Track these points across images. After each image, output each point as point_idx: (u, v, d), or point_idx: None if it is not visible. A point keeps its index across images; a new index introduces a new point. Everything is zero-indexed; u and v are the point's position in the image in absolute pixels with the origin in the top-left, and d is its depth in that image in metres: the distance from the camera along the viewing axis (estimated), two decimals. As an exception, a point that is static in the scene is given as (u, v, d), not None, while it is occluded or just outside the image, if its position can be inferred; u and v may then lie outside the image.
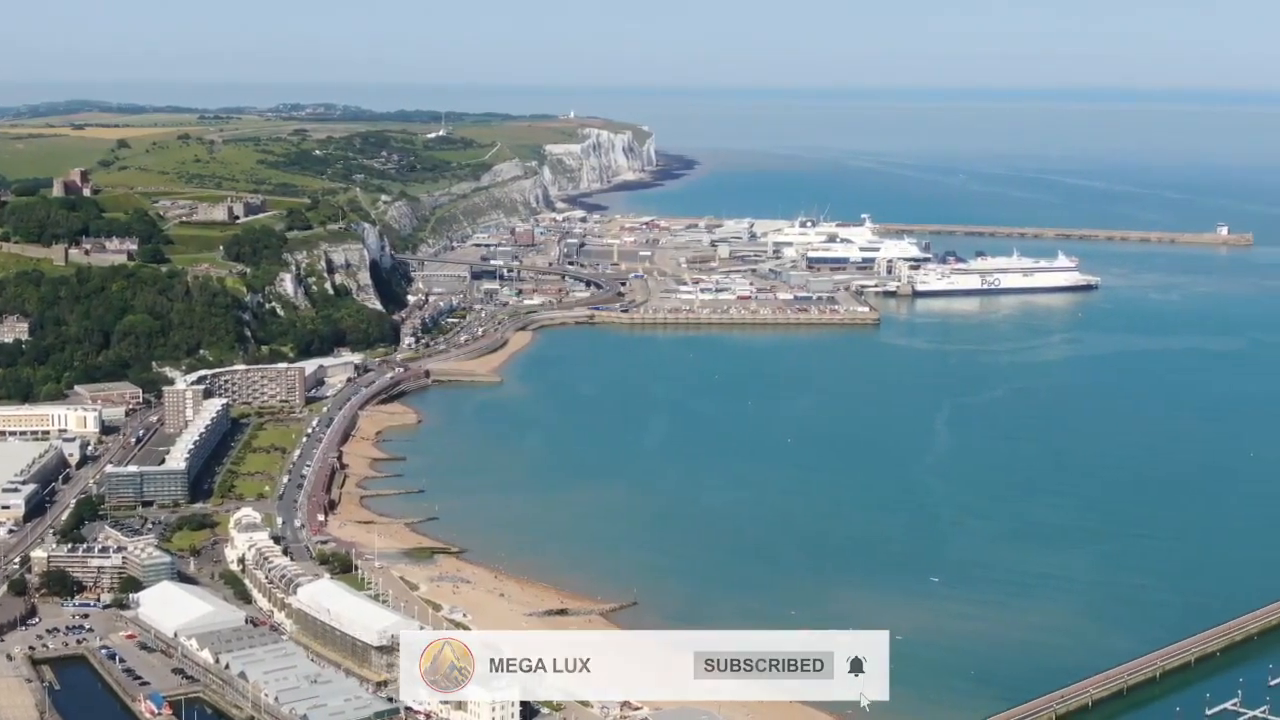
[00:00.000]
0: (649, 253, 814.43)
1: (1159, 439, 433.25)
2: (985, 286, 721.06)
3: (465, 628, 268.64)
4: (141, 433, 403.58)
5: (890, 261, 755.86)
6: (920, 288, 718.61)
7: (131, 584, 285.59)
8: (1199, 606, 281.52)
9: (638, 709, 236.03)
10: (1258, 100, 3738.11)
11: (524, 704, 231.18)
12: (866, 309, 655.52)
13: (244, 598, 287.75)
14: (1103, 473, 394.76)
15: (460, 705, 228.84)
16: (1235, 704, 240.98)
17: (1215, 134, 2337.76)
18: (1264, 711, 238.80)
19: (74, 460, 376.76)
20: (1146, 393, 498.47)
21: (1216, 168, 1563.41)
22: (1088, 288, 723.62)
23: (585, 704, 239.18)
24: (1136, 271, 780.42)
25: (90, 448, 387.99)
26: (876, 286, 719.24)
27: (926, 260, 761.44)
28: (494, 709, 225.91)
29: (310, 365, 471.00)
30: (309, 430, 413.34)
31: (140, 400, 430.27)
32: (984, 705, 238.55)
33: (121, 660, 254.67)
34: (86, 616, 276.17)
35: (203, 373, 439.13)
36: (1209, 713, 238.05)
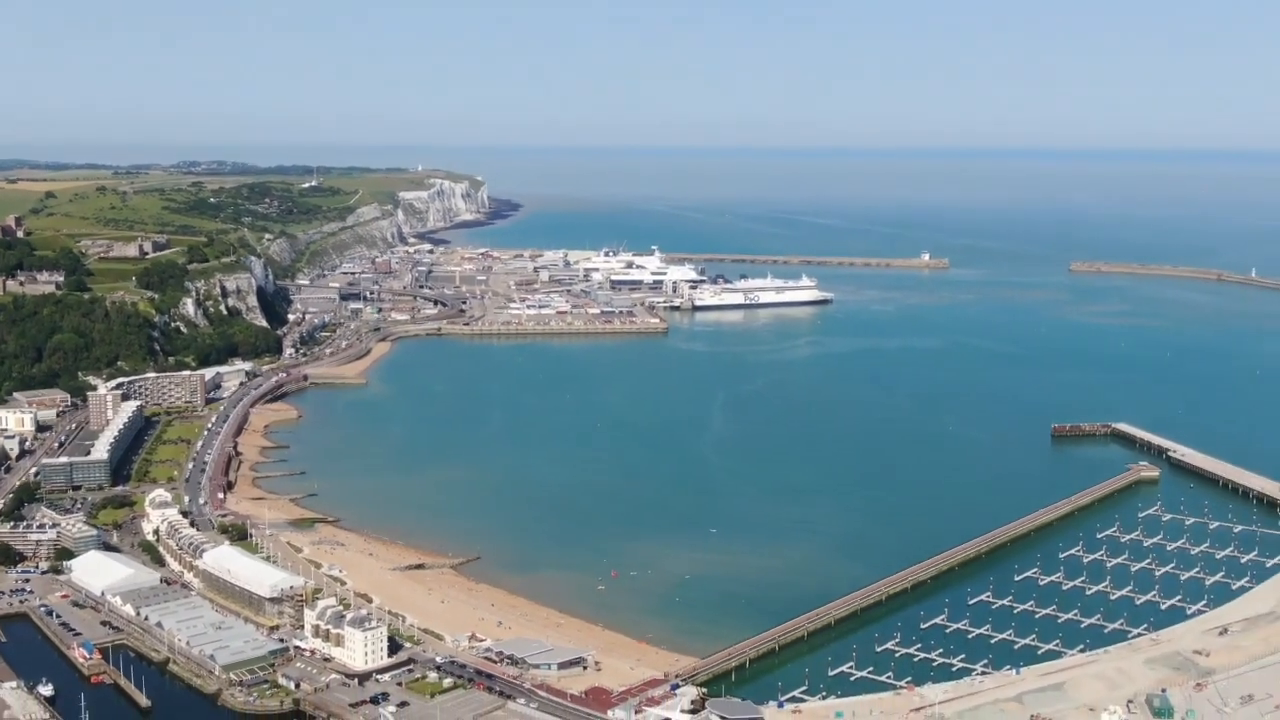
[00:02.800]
0: (484, 277, 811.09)
1: (881, 417, 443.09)
2: (747, 302, 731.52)
3: (342, 582, 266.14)
4: (70, 430, 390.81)
5: (675, 283, 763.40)
6: (698, 303, 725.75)
7: (65, 553, 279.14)
8: (913, 544, 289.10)
9: (481, 640, 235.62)
10: (953, 155, 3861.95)
11: (390, 639, 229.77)
12: (657, 320, 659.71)
13: (159, 562, 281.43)
14: (839, 443, 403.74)
15: (339, 642, 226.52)
16: (942, 619, 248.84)
17: (918, 182, 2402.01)
18: (965, 625, 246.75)
19: (14, 454, 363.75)
20: (870, 381, 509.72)
21: (920, 208, 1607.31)
22: (825, 302, 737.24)
23: (439, 637, 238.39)
24: (861, 289, 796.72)
25: (27, 443, 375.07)
26: (665, 302, 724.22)
27: (703, 281, 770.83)
28: (367, 643, 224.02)
29: (209, 372, 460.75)
30: (209, 425, 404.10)
31: (68, 403, 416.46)
32: (753, 626, 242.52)
33: (58, 616, 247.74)
34: (28, 581, 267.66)
35: (120, 380, 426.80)
36: (923, 627, 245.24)
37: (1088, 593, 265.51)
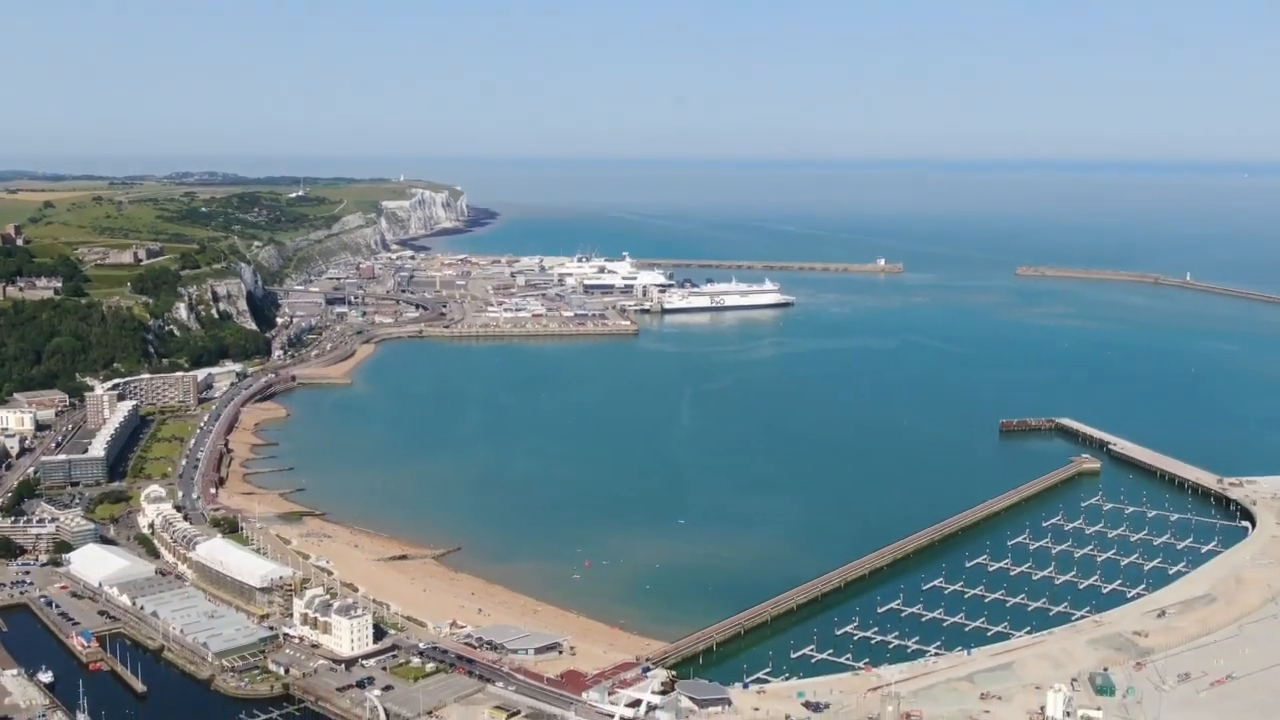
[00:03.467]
0: (464, 282, 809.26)
1: (839, 412, 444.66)
2: (714, 305, 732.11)
3: (329, 572, 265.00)
4: (68, 429, 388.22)
5: (645, 287, 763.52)
6: (667, 306, 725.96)
7: (63, 546, 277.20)
8: (870, 533, 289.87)
9: (462, 627, 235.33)
10: (905, 165, 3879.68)
11: (375, 626, 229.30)
12: (628, 323, 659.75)
13: (154, 554, 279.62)
14: (800, 438, 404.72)
15: (327, 629, 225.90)
16: (898, 604, 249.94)
17: (874, 190, 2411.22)
18: (919, 609, 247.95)
19: (14, 452, 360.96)
20: (829, 379, 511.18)
21: (875, 216, 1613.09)
22: (786, 305, 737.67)
23: (422, 624, 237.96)
24: (820, 292, 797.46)
25: (27, 441, 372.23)
26: (635, 305, 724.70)
27: (671, 285, 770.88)
28: (353, 630, 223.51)
29: (201, 373, 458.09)
30: (201, 424, 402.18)
31: (67, 404, 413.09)
32: (719, 611, 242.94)
33: (57, 606, 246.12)
34: (28, 573, 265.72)
35: (116, 381, 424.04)
36: (880, 611, 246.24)
37: (1034, 578, 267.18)
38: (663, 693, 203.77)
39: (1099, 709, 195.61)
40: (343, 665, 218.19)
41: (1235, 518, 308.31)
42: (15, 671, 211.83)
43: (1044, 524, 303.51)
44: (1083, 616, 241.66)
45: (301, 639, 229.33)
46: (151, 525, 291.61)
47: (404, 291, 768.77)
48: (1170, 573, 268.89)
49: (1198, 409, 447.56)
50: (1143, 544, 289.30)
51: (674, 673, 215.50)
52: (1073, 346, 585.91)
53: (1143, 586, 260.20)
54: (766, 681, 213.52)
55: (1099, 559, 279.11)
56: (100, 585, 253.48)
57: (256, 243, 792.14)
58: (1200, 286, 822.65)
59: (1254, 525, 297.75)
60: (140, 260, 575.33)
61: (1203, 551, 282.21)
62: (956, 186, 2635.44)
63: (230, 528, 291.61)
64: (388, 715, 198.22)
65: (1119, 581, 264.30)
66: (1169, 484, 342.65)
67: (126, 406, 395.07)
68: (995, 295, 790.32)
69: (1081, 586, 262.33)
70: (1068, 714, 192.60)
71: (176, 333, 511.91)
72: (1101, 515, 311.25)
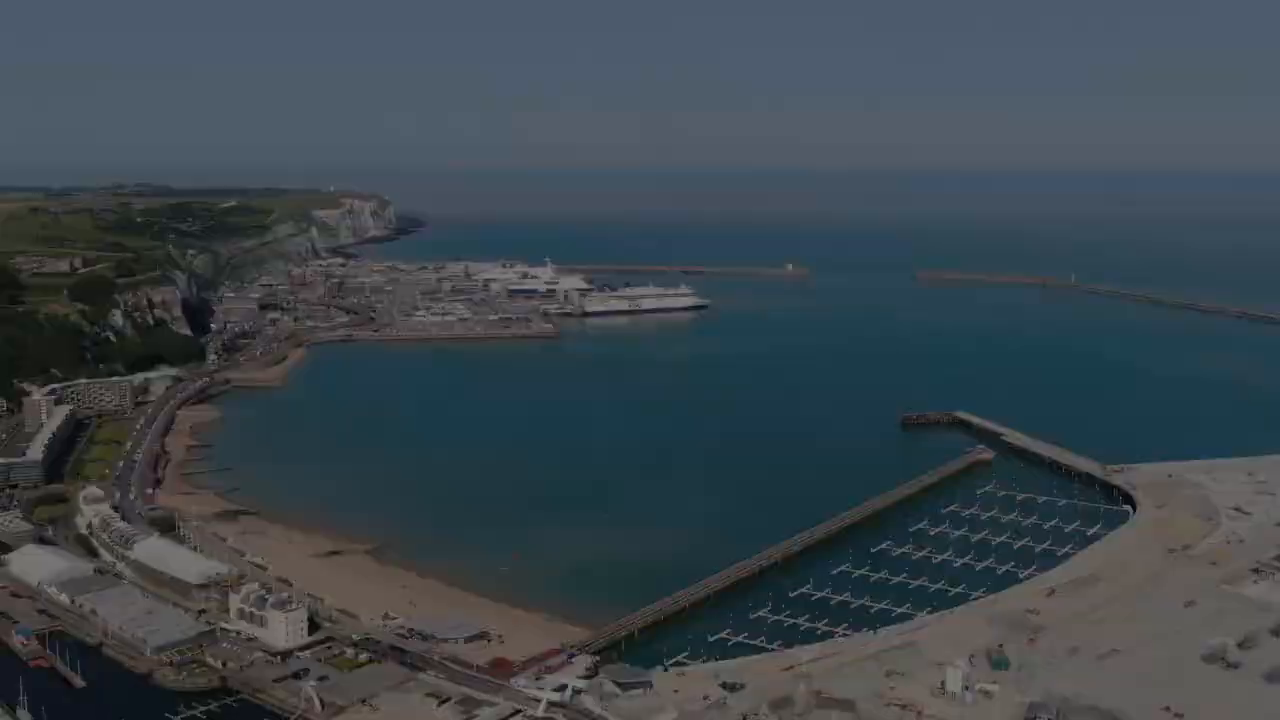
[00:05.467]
0: (392, 288, 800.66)
1: (751, 408, 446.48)
2: (632, 308, 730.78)
3: (264, 568, 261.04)
4: (4, 434, 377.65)
5: (567, 291, 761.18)
6: (588, 309, 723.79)
7: (2, 548, 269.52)
8: (781, 522, 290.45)
9: (394, 618, 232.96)
10: (814, 178, 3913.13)
11: (310, 619, 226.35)
12: (551, 325, 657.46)
13: (93, 554, 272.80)
14: (715, 433, 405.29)
15: (263, 623, 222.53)
16: (808, 589, 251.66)
17: (781, 200, 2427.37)
18: (828, 593, 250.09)
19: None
20: (742, 377, 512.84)
21: (783, 222, 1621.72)
22: (702, 307, 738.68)
23: (355, 616, 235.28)
24: (733, 295, 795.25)
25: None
26: (558, 309, 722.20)
27: (592, 289, 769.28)
28: (288, 623, 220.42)
29: (137, 378, 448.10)
30: (138, 426, 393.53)
31: (4, 409, 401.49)
32: (640, 599, 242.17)
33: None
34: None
35: (54, 386, 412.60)
36: (791, 595, 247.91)
37: (934, 561, 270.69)
38: (587, 677, 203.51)
39: (995, 683, 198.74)
40: (279, 657, 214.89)
41: (1118, 502, 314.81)
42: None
43: (943, 511, 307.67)
44: (980, 597, 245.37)
45: (238, 633, 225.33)
46: (90, 525, 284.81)
47: (335, 297, 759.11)
48: (1059, 554, 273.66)
49: (1082, 401, 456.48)
50: (1034, 528, 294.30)
51: (598, 658, 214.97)
52: (968, 344, 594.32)
53: (1034, 568, 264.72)
54: (686, 664, 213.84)
55: (994, 543, 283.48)
56: (39, 584, 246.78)
57: (191, 251, 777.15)
58: (1086, 288, 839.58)
59: (1135, 509, 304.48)
60: (77, 269, 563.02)
61: (1089, 534, 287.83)
62: (859, 196, 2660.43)
63: (167, 527, 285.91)
64: (323, 704, 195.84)
65: (1012, 563, 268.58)
66: (1057, 472, 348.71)
67: (64, 411, 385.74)
68: (897, 297, 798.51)
69: (978, 569, 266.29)
70: (966, 688, 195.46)
71: (113, 339, 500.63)
72: (995, 502, 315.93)
